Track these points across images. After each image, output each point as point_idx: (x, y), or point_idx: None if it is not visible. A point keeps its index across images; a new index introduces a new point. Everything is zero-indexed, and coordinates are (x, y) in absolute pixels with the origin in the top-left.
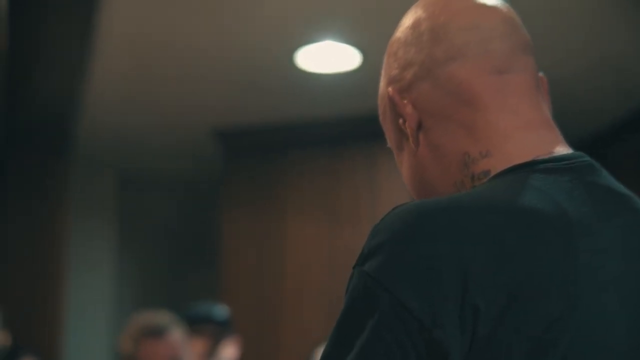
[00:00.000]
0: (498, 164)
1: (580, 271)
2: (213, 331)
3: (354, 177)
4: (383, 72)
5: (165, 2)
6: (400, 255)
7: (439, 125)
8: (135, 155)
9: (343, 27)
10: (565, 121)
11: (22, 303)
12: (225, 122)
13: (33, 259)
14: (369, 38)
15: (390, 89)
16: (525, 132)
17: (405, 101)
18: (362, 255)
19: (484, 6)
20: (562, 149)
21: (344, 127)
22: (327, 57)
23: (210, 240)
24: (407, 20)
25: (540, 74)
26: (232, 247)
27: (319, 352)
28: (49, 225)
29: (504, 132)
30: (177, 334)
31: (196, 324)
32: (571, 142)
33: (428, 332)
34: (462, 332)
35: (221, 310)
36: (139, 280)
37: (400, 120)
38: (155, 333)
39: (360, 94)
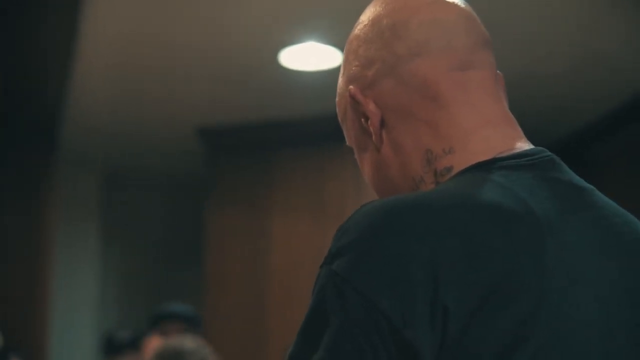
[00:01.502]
0: (461, 160)
1: (551, 267)
2: (179, 328)
3: (340, 174)
4: (342, 71)
5: (152, 1)
6: (368, 254)
7: (401, 122)
8: (122, 154)
9: (324, 28)
10: (548, 119)
11: (8, 303)
12: (212, 120)
13: (20, 259)
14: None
15: (351, 87)
16: (487, 129)
17: (368, 99)
18: (329, 254)
19: (443, 2)
20: (524, 145)
21: (329, 125)
22: (309, 56)
23: (196, 238)
24: (366, 17)
25: (498, 72)
26: (219, 245)
27: None
28: (36, 225)
29: (466, 129)
30: None
31: (163, 320)
32: (553, 140)
33: (398, 332)
34: (432, 330)
35: (189, 309)
36: (124, 279)
37: (363, 119)
38: None
39: None
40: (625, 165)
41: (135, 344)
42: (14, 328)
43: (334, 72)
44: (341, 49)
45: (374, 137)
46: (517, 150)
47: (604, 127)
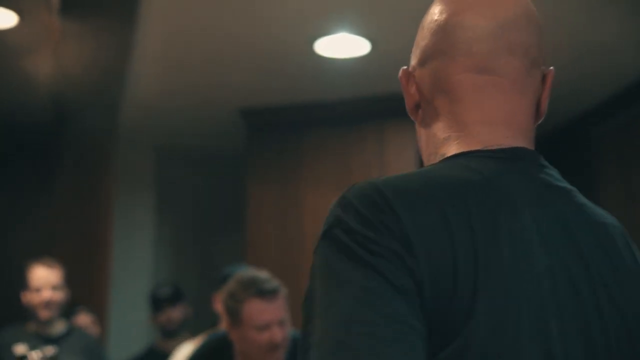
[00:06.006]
0: (453, 148)
1: (502, 240)
2: None
3: (365, 151)
4: None
5: (203, 0)
6: (364, 219)
7: (425, 107)
8: (173, 133)
9: (355, 21)
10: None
11: (75, 265)
12: (252, 102)
13: (84, 227)
14: (377, 30)
15: (402, 69)
16: (483, 126)
17: (411, 82)
18: (330, 222)
19: (487, 6)
20: (516, 144)
21: (356, 107)
22: (342, 46)
23: (237, 209)
24: (431, 8)
25: (551, 68)
26: (257, 214)
27: None
28: (98, 196)
29: (465, 123)
30: (284, 297)
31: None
32: (559, 122)
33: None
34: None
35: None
36: (174, 244)
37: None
38: (267, 294)
39: (369, 77)
40: (618, 143)
41: (173, 299)
42: (80, 286)
43: (363, 59)
44: (370, 39)
45: (409, 113)
46: (504, 147)
47: (602, 111)
